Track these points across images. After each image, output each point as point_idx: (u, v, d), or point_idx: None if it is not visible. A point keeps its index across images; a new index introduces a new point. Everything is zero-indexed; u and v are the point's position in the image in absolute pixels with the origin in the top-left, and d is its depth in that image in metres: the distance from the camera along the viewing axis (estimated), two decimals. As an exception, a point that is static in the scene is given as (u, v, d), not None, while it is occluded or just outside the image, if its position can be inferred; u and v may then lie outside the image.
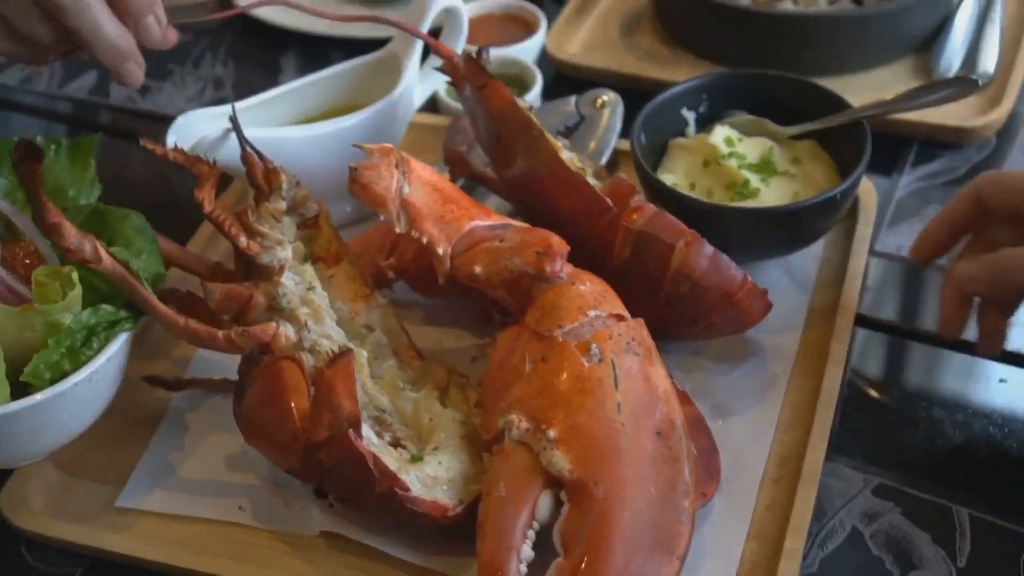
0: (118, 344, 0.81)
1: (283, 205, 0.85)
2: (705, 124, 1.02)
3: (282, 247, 0.84)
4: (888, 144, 1.10)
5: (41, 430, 0.79)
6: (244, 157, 0.86)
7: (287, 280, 0.83)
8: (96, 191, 0.90)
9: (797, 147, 1.00)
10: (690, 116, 1.02)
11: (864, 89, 1.12)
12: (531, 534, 0.72)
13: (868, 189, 1.02)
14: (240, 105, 0.99)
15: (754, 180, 0.96)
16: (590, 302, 0.78)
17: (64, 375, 0.78)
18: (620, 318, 0.79)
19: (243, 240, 0.82)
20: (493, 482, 0.74)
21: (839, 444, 0.86)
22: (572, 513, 0.72)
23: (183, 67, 1.28)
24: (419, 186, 0.84)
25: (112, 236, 0.84)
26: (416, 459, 0.78)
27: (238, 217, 0.84)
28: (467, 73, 0.91)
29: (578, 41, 1.24)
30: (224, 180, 0.92)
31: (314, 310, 0.83)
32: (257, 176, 0.86)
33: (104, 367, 0.80)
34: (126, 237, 0.83)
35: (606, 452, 0.73)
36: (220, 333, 0.79)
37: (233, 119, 0.88)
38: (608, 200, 0.86)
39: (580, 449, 0.73)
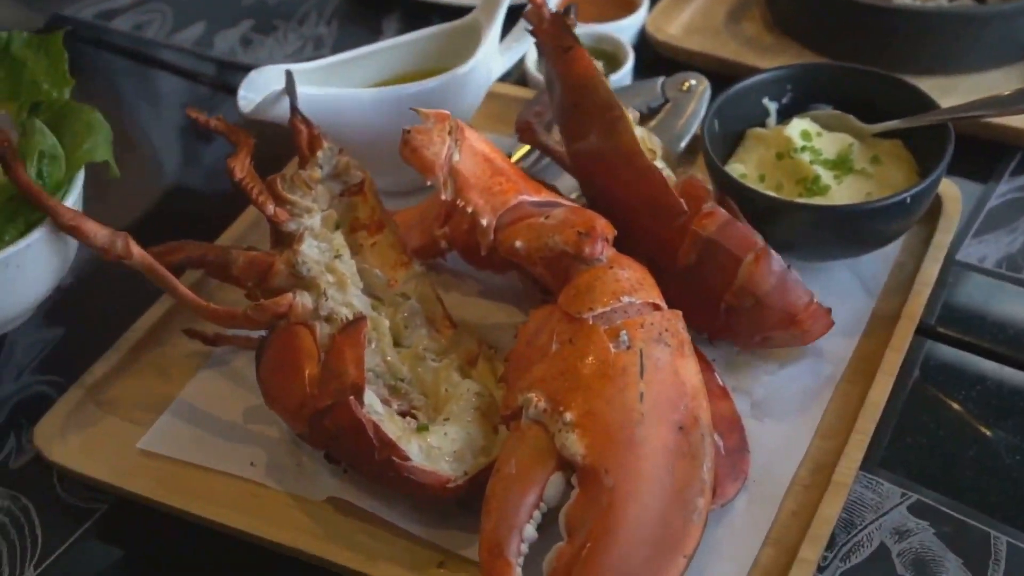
0: (37, 234, 0.84)
1: (318, 173, 0.86)
2: (788, 116, 0.98)
3: (310, 215, 0.84)
4: (989, 150, 1.05)
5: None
6: (291, 122, 0.87)
7: (310, 248, 0.83)
8: (68, 86, 0.93)
9: (880, 146, 0.96)
10: (772, 106, 0.99)
11: (973, 91, 1.06)
12: (537, 515, 0.71)
13: (954, 195, 0.97)
14: (316, 64, 0.99)
15: (826, 177, 0.92)
16: (625, 288, 0.76)
17: None
18: (656, 307, 0.77)
19: (270, 208, 0.84)
20: (505, 459, 0.73)
21: (885, 457, 0.82)
22: (580, 499, 0.70)
23: (288, 23, 1.30)
24: (470, 155, 0.83)
25: (74, 130, 0.87)
26: (422, 429, 0.78)
27: (268, 185, 0.85)
28: (552, 29, 0.88)
29: (680, 23, 1.21)
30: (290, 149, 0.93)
31: (338, 278, 0.83)
32: (302, 142, 0.87)
33: (28, 246, 0.84)
34: (80, 131, 0.87)
35: (621, 441, 0.71)
36: (239, 311, 0.82)
37: (288, 82, 0.89)
38: (682, 201, 0.84)
39: (595, 435, 0.71)
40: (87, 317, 0.99)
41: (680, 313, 0.77)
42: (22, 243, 0.84)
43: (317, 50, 1.24)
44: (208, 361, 0.92)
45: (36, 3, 1.62)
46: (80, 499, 0.85)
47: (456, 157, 0.82)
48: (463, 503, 0.77)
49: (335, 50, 1.21)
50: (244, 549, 0.80)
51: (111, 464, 0.84)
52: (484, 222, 0.81)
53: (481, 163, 0.83)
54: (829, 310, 0.85)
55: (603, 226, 0.79)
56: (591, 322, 0.75)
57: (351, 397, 0.74)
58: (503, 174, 0.83)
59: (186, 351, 0.92)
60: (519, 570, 0.69)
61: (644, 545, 0.69)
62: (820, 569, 0.76)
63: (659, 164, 0.87)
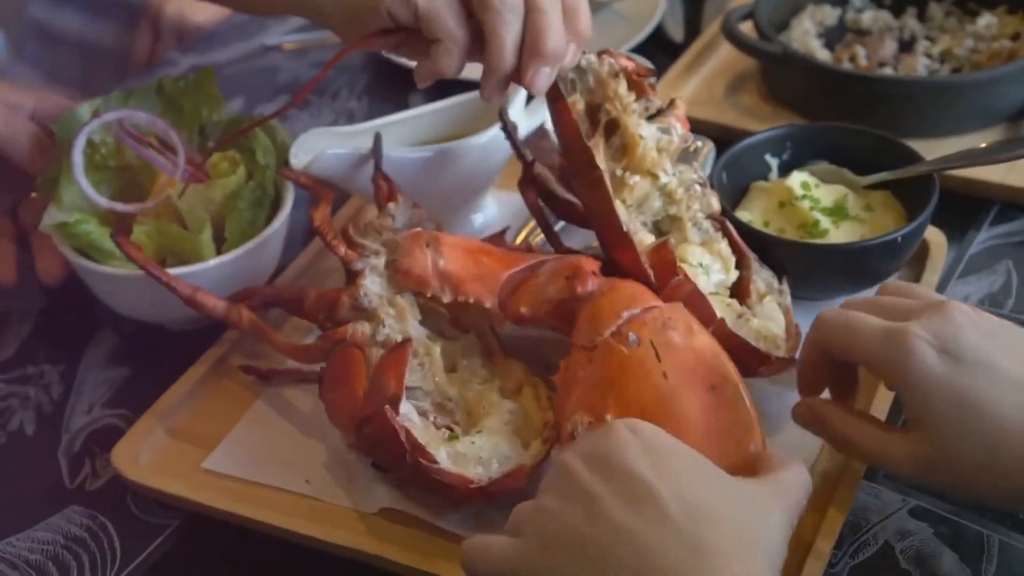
0: (283, 213, 1.04)
1: (389, 222, 0.97)
2: (787, 171, 1.08)
3: (377, 256, 0.95)
4: (969, 203, 1.15)
5: (236, 279, 1.00)
6: (374, 178, 1.00)
7: (372, 283, 0.93)
8: (223, 107, 1.08)
9: (871, 196, 1.06)
10: (773, 162, 1.09)
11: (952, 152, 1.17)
12: None
13: (939, 241, 1.07)
14: (356, 128, 1.09)
15: (824, 222, 1.02)
16: (622, 304, 0.85)
17: (248, 237, 1.01)
18: (652, 307, 0.85)
19: (341, 249, 0.95)
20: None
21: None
22: None
23: (321, 98, 1.40)
24: (452, 256, 0.93)
25: (244, 140, 1.05)
26: (452, 438, 0.87)
27: (343, 231, 0.96)
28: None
29: (685, 95, 1.32)
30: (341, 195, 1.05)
31: (398, 310, 0.93)
32: (381, 196, 0.99)
33: (276, 231, 1.04)
34: (258, 139, 1.05)
35: (658, 415, 0.78)
36: (310, 344, 0.94)
37: (376, 143, 1.03)
38: (651, 273, 0.91)
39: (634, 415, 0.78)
40: (148, 359, 1.07)
41: (680, 304, 0.85)
42: (272, 227, 1.03)
43: (349, 123, 1.34)
44: (264, 393, 1.00)
45: (92, 90, 1.72)
46: (153, 516, 0.92)
47: (441, 263, 0.93)
48: (496, 504, 0.85)
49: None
50: (304, 555, 0.88)
51: (179, 480, 0.92)
52: (488, 305, 0.91)
53: (464, 258, 0.93)
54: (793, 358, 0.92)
55: (586, 263, 0.88)
56: (602, 342, 0.83)
57: (387, 407, 0.84)
58: (486, 257, 0.94)
59: (244, 382, 1.00)
60: None
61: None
62: (831, 564, 0.84)
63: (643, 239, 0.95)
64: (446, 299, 0.92)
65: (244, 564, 0.89)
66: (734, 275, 0.96)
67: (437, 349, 0.93)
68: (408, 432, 0.83)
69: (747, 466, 0.78)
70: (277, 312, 1.03)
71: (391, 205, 0.99)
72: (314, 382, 0.95)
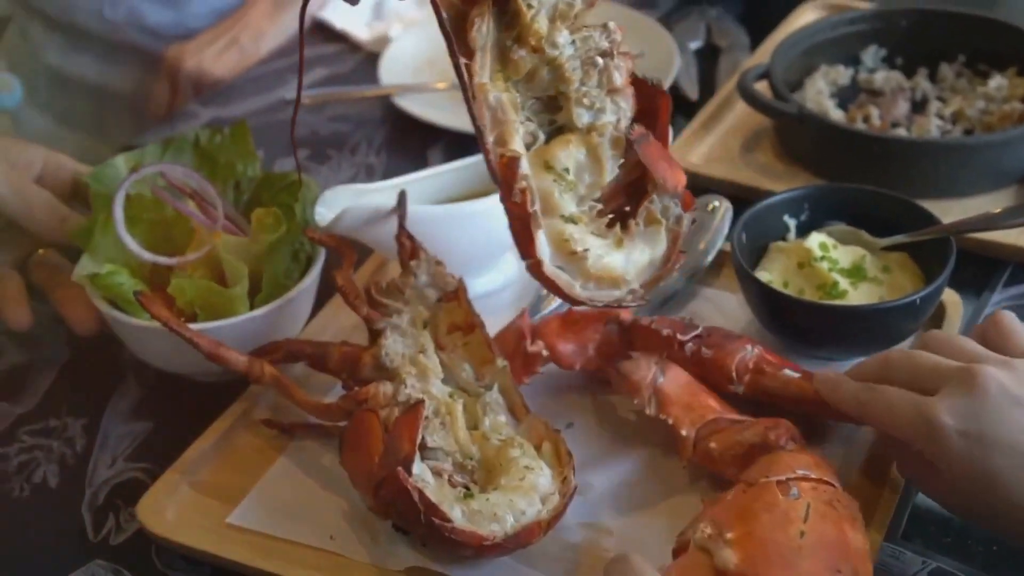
0: (316, 269, 1.06)
1: (411, 280, 0.99)
2: (805, 231, 1.10)
3: (399, 315, 0.96)
4: (983, 265, 1.16)
5: (266, 333, 1.02)
6: (397, 237, 1.02)
7: (394, 343, 0.95)
8: (258, 162, 1.11)
9: (889, 258, 1.07)
10: (791, 223, 1.11)
11: (966, 213, 1.18)
12: None
13: (955, 301, 1.08)
14: (378, 185, 1.11)
15: (843, 283, 1.04)
16: (801, 464, 0.86)
17: (280, 292, 1.03)
18: (829, 484, 0.85)
19: (364, 309, 0.97)
20: (668, 571, 0.81)
21: (905, 532, 0.92)
22: None
23: (340, 153, 1.42)
24: (673, 380, 0.97)
25: (279, 191, 1.09)
26: (467, 496, 0.88)
27: (365, 291, 0.98)
28: None
29: (700, 153, 1.34)
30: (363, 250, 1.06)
31: (420, 369, 0.94)
32: (404, 254, 1.00)
33: (308, 287, 1.06)
34: (293, 188, 1.09)
35: (775, 561, 0.78)
36: (333, 403, 0.96)
37: (400, 200, 1.04)
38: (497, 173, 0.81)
39: (751, 550, 0.79)
40: (171, 412, 1.08)
41: (857, 503, 0.85)
42: (304, 282, 1.05)
43: (369, 177, 1.36)
44: (287, 447, 1.01)
45: (106, 136, 1.75)
46: (177, 570, 0.93)
47: (660, 379, 0.95)
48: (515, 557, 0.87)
49: (385, 177, 1.33)
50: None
51: (204, 534, 0.93)
52: (683, 432, 0.93)
53: (683, 387, 0.96)
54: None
55: (788, 426, 0.90)
56: (767, 483, 0.84)
57: (399, 468, 0.85)
58: (703, 398, 0.96)
59: (268, 436, 1.01)
60: None
61: None
62: (854, 625, 0.85)
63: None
64: (649, 412, 0.95)
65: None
66: (610, 175, 0.84)
67: (459, 407, 0.94)
68: (421, 492, 0.84)
69: None
70: (300, 367, 1.04)
71: (414, 263, 1.00)
72: (336, 436, 0.96)
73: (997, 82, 1.34)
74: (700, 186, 1.24)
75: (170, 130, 1.44)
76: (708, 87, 1.50)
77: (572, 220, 0.81)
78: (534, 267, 0.80)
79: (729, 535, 0.80)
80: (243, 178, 1.11)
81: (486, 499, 0.87)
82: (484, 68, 0.79)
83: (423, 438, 0.89)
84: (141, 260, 1.02)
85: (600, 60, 0.82)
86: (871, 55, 1.43)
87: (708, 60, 1.56)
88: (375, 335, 0.96)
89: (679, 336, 0.97)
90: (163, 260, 1.02)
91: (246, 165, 1.12)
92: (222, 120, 1.41)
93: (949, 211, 1.09)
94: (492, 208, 1.09)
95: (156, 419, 1.07)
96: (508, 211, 0.80)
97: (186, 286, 1.01)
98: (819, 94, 1.36)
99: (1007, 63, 1.37)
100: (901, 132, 1.30)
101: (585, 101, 0.82)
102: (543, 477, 0.90)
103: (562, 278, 0.81)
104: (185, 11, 1.75)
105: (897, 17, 1.43)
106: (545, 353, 1.01)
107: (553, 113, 0.83)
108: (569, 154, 0.81)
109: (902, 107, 1.34)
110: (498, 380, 0.97)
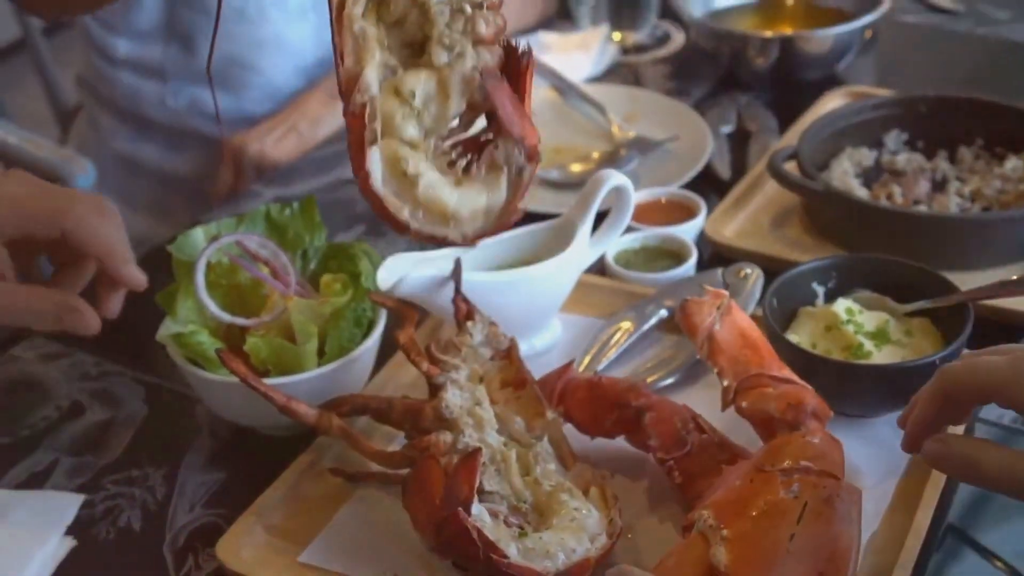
0: (377, 331, 1.15)
1: (468, 339, 1.07)
2: (832, 298, 1.18)
3: (457, 371, 1.04)
4: (1002, 331, 1.23)
5: (332, 389, 1.10)
6: (454, 300, 1.10)
7: (453, 396, 1.03)
8: (324, 233, 1.20)
9: (911, 323, 1.15)
10: (820, 290, 1.19)
11: (986, 283, 1.26)
12: None
13: (974, 364, 1.16)
14: (434, 254, 1.19)
15: (868, 345, 1.12)
16: (809, 454, 0.93)
17: (345, 352, 1.12)
18: (833, 478, 0.92)
19: (424, 365, 1.05)
20: (668, 555, 0.90)
21: (931, 573, 0.99)
22: None
23: (396, 229, 1.51)
24: (729, 329, 1.04)
25: (343, 260, 1.19)
26: (522, 535, 0.95)
27: (426, 349, 1.06)
28: None
29: (732, 228, 1.43)
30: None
31: (476, 420, 1.02)
32: (460, 315, 1.09)
33: (370, 347, 1.14)
34: (357, 257, 1.19)
35: (761, 568, 0.86)
36: (397, 452, 1.04)
37: (456, 267, 1.12)
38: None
39: (741, 553, 0.87)
40: (242, 464, 1.16)
41: (861, 492, 0.92)
42: (367, 343, 1.14)
43: (421, 247, 1.45)
44: (352, 495, 1.09)
45: (169, 217, 1.85)
46: (250, 600, 1.01)
47: (716, 327, 1.03)
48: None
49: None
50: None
51: (280, 573, 1.00)
52: (725, 383, 1.02)
53: (736, 337, 1.04)
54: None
55: (814, 404, 0.97)
56: (772, 472, 0.92)
57: (459, 509, 0.92)
58: (753, 348, 1.03)
59: (334, 485, 1.09)
60: None
61: None
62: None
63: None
64: (700, 355, 1.03)
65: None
66: (455, 110, 0.83)
67: (513, 455, 1.02)
68: (479, 531, 0.92)
69: None
70: (364, 420, 1.12)
71: (469, 324, 1.08)
72: (398, 483, 1.04)
73: (1013, 163, 1.43)
74: (733, 258, 1.33)
75: (234, 210, 1.54)
76: (739, 168, 1.59)
77: (411, 145, 0.82)
78: (362, 182, 0.80)
79: (725, 532, 0.88)
80: (310, 247, 1.20)
81: (539, 538, 0.95)
82: (358, 3, 0.81)
83: (480, 483, 0.97)
84: (220, 321, 1.11)
85: (468, 8, 0.81)
86: (893, 138, 1.52)
87: (739, 143, 1.66)
88: (435, 389, 1.04)
89: (660, 455, 1.02)
90: (241, 321, 1.11)
91: (313, 236, 1.21)
92: (284, 199, 1.51)
93: (967, 283, 1.17)
94: (539, 275, 1.18)
95: (229, 470, 1.15)
96: (347, 126, 0.81)
97: (261, 344, 1.10)
98: (845, 174, 1.45)
99: (1022, 146, 1.46)
100: (922, 208, 1.39)
101: (446, 41, 0.82)
102: (591, 519, 0.97)
103: (390, 199, 0.81)
104: (244, 97, 1.86)
105: (917, 103, 1.52)
106: (562, 419, 1.08)
107: (418, 57, 0.83)
108: (418, 81, 0.81)
109: (923, 186, 1.43)
110: (548, 431, 1.05)
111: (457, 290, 1.11)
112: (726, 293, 1.06)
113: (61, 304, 1.06)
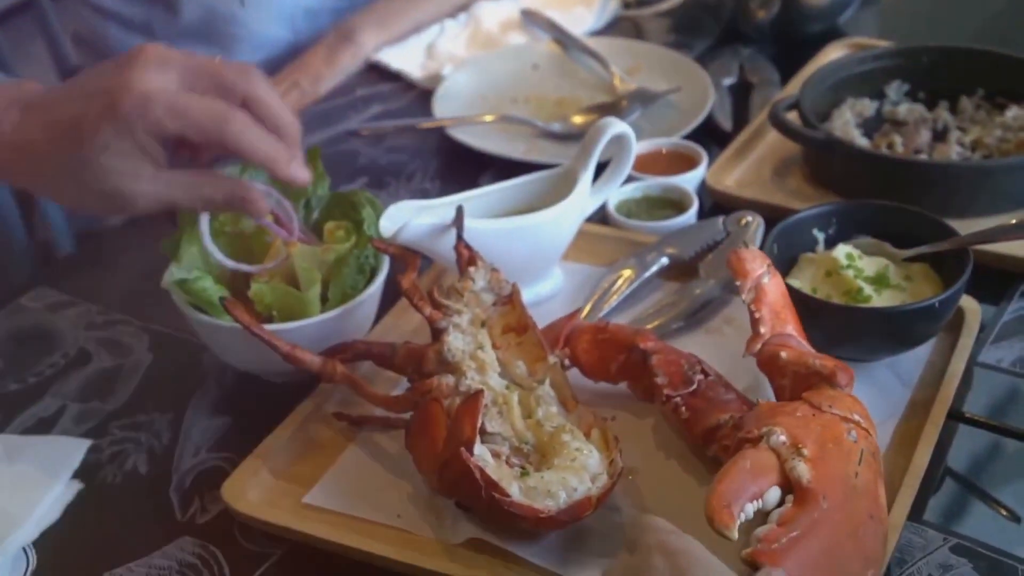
0: (380, 278, 1.16)
1: (470, 284, 1.07)
2: (833, 244, 1.18)
3: (460, 316, 1.05)
4: (1001, 277, 1.25)
5: (336, 335, 1.11)
6: (456, 247, 1.10)
7: (455, 340, 1.04)
8: (327, 182, 1.20)
9: (911, 268, 1.16)
10: (820, 236, 1.19)
11: (984, 229, 1.27)
12: (754, 504, 0.88)
13: (974, 308, 1.16)
14: (437, 202, 1.20)
15: (868, 289, 1.12)
16: (857, 410, 0.96)
17: (348, 298, 1.12)
18: (872, 437, 0.95)
19: (427, 310, 1.06)
20: (742, 457, 0.90)
21: (928, 512, 1.00)
22: (795, 509, 0.87)
23: (397, 180, 1.52)
24: (775, 286, 1.06)
25: (347, 208, 1.16)
26: (524, 474, 0.96)
27: (428, 293, 1.07)
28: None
29: (734, 178, 1.43)
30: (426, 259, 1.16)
31: (479, 364, 1.03)
32: (463, 262, 1.09)
33: (373, 293, 1.15)
34: (360, 205, 1.18)
35: (839, 484, 0.89)
36: (400, 395, 1.05)
37: (458, 214, 1.12)
38: None
39: (822, 471, 0.89)
40: (248, 409, 1.17)
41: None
42: (370, 289, 1.15)
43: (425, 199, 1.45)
44: (356, 439, 1.10)
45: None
46: (258, 545, 1.02)
47: (766, 280, 1.05)
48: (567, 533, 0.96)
49: (440, 201, 1.43)
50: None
51: (285, 515, 1.02)
52: (762, 330, 1.03)
53: (779, 296, 1.06)
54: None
55: (852, 373, 0.99)
56: (834, 415, 0.94)
57: (462, 449, 0.93)
58: (789, 313, 1.06)
59: (338, 429, 1.10)
60: (737, 523, 0.85)
61: (837, 552, 0.86)
62: (880, 594, 0.93)
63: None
64: (745, 299, 1.04)
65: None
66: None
67: (515, 398, 1.03)
68: (482, 470, 0.93)
69: None
70: (367, 366, 1.13)
71: (471, 269, 1.09)
72: (401, 428, 1.05)
73: (1014, 112, 1.43)
74: (734, 207, 1.33)
75: (238, 162, 1.54)
76: (741, 120, 1.59)
77: None
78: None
79: (805, 451, 0.90)
80: (313, 196, 1.21)
81: (541, 477, 0.96)
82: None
83: (483, 424, 0.98)
84: (224, 268, 1.12)
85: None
86: (895, 89, 1.53)
87: (741, 96, 1.66)
88: (437, 333, 1.05)
89: (667, 392, 1.04)
90: (245, 268, 1.12)
91: (317, 185, 1.21)
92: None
93: (968, 230, 1.17)
94: (541, 223, 1.19)
95: (234, 415, 1.16)
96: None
97: (265, 291, 1.10)
98: (846, 124, 1.45)
99: (1022, 95, 1.46)
100: (923, 157, 1.39)
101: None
102: (592, 459, 0.98)
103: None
104: (231, 50, 1.85)
105: (919, 54, 1.52)
106: (567, 362, 1.09)
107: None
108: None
109: (924, 136, 1.43)
110: (550, 375, 1.06)
111: (459, 237, 1.12)
112: (766, 255, 1.08)
113: (233, 189, 1.03)
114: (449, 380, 1.02)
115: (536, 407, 1.04)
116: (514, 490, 0.94)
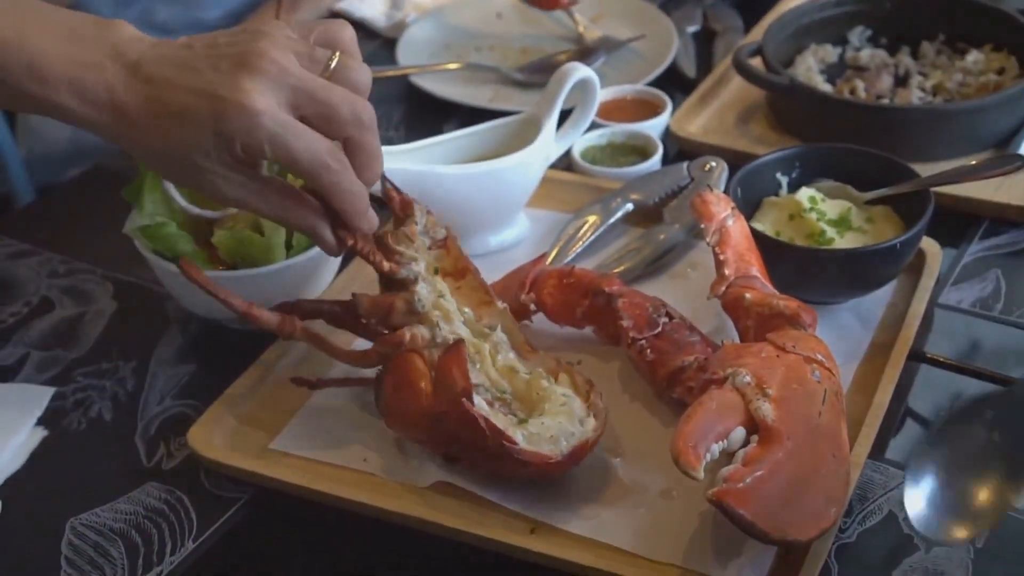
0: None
1: (416, 227, 1.04)
2: (796, 187, 1.19)
3: (416, 263, 1.02)
4: (962, 219, 1.26)
5: (301, 281, 1.11)
6: (384, 191, 1.05)
7: (421, 288, 1.01)
8: None
9: (873, 210, 1.17)
10: (783, 179, 1.20)
11: (946, 175, 1.27)
12: (719, 444, 0.88)
13: (934, 251, 1.17)
14: (400, 148, 1.20)
15: (830, 232, 1.13)
16: (820, 350, 0.96)
17: (313, 244, 1.09)
18: (835, 376, 0.96)
19: (385, 264, 1.00)
20: (708, 398, 0.91)
21: (889, 451, 1.02)
22: (760, 448, 0.88)
23: (361, 128, 1.51)
24: (739, 229, 1.06)
25: None
26: (522, 422, 0.96)
27: (379, 242, 1.01)
28: None
29: (698, 124, 1.43)
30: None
31: (444, 312, 1.01)
32: (395, 206, 1.05)
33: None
34: None
35: (802, 423, 0.90)
36: (370, 350, 1.00)
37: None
38: None
39: (787, 411, 0.90)
40: (212, 357, 1.17)
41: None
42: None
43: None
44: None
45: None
46: (224, 490, 1.02)
47: (730, 222, 1.05)
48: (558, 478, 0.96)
49: (404, 149, 1.43)
50: (362, 524, 0.97)
51: (251, 460, 1.02)
52: (726, 272, 1.04)
53: (743, 239, 1.06)
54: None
55: (816, 315, 1.00)
56: (798, 355, 0.95)
57: (464, 400, 0.92)
58: (755, 255, 1.06)
59: (305, 372, 1.10)
60: (703, 463, 0.86)
61: (800, 490, 0.87)
62: (842, 530, 0.94)
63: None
64: (709, 242, 1.04)
65: (307, 532, 0.99)
66: None
67: (486, 346, 1.02)
68: (487, 419, 0.92)
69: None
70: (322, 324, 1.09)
71: (414, 211, 1.04)
72: (363, 386, 1.05)
73: (974, 57, 1.44)
74: (698, 154, 1.33)
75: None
76: (705, 67, 1.59)
77: None
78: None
79: (770, 391, 0.91)
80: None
81: (541, 423, 0.95)
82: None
83: (465, 374, 0.97)
84: (187, 215, 1.11)
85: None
86: (857, 35, 1.53)
87: (705, 43, 1.66)
88: (402, 284, 1.01)
89: (633, 335, 1.05)
90: (208, 214, 1.12)
91: None
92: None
93: (929, 173, 1.18)
94: (505, 168, 1.19)
95: (199, 363, 1.16)
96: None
97: (229, 237, 1.10)
98: (809, 70, 1.46)
99: (983, 40, 1.47)
100: (885, 101, 1.40)
101: None
102: (576, 403, 0.98)
103: None
104: (192, 5, 1.84)
105: (882, 0, 1.53)
106: (533, 307, 1.10)
107: None
108: None
109: (886, 81, 1.44)
110: (501, 321, 1.04)
111: (386, 180, 1.05)
112: (729, 199, 1.08)
113: (315, 225, 0.96)
114: (423, 331, 0.99)
115: (496, 355, 1.02)
116: (518, 437, 0.93)
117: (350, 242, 0.98)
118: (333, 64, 0.92)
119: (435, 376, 0.96)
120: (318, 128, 0.90)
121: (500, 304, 1.06)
